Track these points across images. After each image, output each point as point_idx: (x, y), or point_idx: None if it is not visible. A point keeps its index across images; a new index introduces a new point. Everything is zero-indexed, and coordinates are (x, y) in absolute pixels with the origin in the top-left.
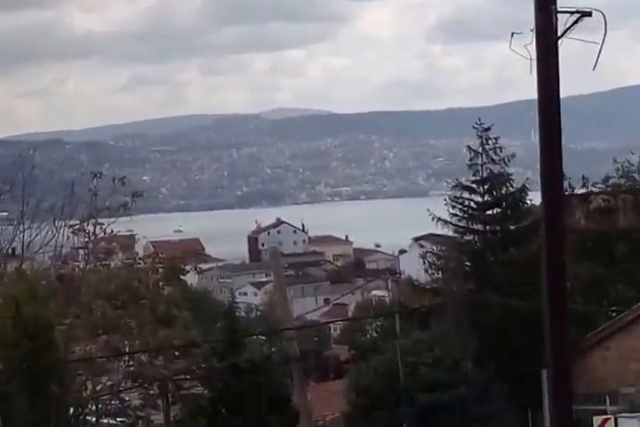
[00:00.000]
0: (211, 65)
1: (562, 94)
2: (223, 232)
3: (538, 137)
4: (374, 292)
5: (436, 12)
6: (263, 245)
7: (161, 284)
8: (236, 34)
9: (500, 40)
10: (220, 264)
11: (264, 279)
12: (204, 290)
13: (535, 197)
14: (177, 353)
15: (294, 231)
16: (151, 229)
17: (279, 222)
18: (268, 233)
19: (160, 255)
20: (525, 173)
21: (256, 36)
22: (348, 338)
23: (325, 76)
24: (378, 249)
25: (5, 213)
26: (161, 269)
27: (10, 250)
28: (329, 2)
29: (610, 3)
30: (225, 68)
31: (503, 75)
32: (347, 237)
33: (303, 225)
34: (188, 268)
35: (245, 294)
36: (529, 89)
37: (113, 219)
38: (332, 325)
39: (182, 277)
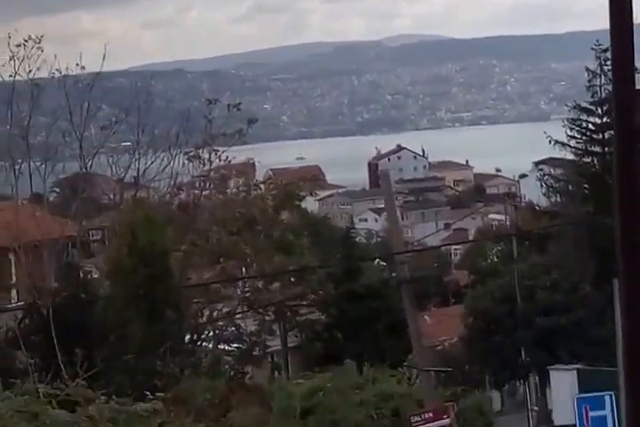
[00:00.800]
0: None
1: None
2: (344, 159)
3: None
4: (492, 215)
5: None
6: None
7: (277, 210)
8: None
9: None
10: (340, 191)
11: (384, 205)
12: (323, 216)
13: None
14: (292, 279)
15: (414, 157)
16: (273, 156)
17: (399, 148)
18: (389, 159)
19: (274, 181)
20: None
21: None
22: (469, 263)
23: (445, 2)
24: (498, 174)
25: (128, 144)
26: (275, 195)
27: (131, 178)
28: None
29: None
30: None
31: None
32: (467, 162)
33: (423, 151)
34: (304, 193)
35: (366, 220)
36: None
37: (232, 147)
38: (452, 250)
39: (301, 203)
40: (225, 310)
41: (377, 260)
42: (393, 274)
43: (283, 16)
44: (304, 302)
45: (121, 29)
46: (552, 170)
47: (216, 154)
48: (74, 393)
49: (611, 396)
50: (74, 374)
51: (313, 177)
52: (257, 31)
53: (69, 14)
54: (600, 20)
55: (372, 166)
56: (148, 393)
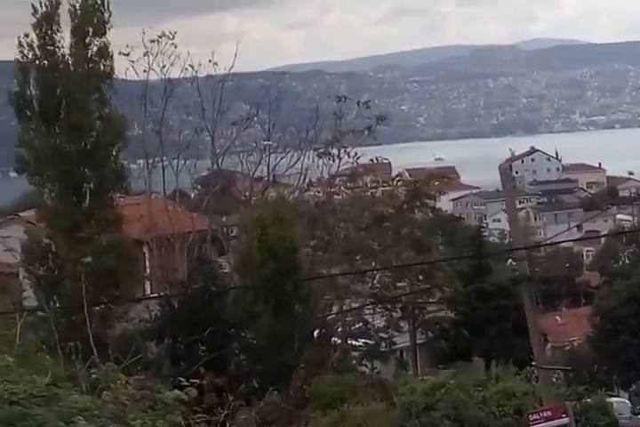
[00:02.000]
0: None
1: None
2: (479, 160)
3: None
4: (621, 216)
5: None
6: (517, 172)
7: (406, 207)
8: None
9: None
10: (474, 191)
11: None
12: (454, 215)
13: None
14: (420, 277)
15: (548, 159)
16: (411, 157)
17: (533, 151)
18: (522, 161)
19: (404, 179)
20: None
21: None
22: (601, 264)
23: (582, 6)
24: (631, 177)
25: (269, 142)
26: (406, 193)
27: (265, 174)
28: None
29: None
30: None
31: None
32: (600, 164)
33: (557, 153)
34: (433, 192)
35: (499, 220)
36: None
37: (369, 147)
38: (584, 251)
39: (432, 202)
40: (354, 305)
41: (509, 259)
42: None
43: (420, 19)
44: (432, 300)
45: (262, 31)
46: None
47: (345, 151)
48: (103, 377)
49: None
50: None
51: (442, 176)
52: (395, 34)
53: (213, 16)
54: None
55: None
56: (183, 380)
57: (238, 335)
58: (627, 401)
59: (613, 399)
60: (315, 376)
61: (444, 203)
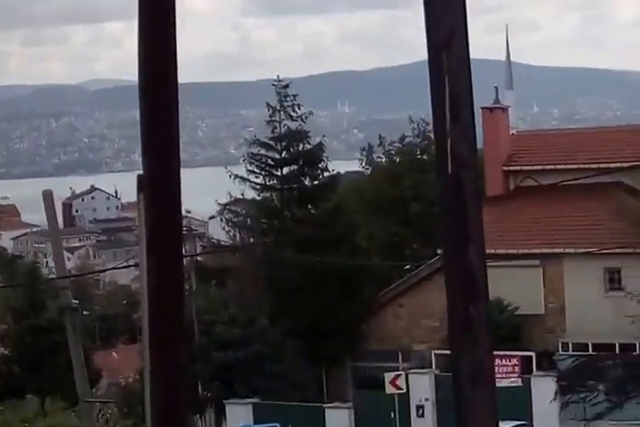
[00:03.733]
0: (32, 36)
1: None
2: (40, 199)
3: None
4: None
5: None
6: (77, 211)
7: None
8: (58, 6)
9: (310, 13)
10: (34, 230)
11: (77, 244)
12: (13, 253)
13: (338, 166)
14: None
15: (108, 198)
16: None
17: (93, 189)
18: (82, 199)
19: None
20: (331, 142)
21: (77, 8)
22: None
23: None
24: (189, 215)
25: None
26: None
27: None
28: None
29: None
30: (46, 39)
31: (313, 47)
32: None
33: (117, 192)
34: None
35: None
36: (338, 61)
37: None
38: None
39: None
40: None
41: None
42: (85, 311)
43: None
44: None
45: None
46: (238, 209)
47: None
48: None
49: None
50: None
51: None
52: None
53: None
54: (288, 70)
55: (66, 206)
56: None
57: None
58: None
59: None
60: None
61: (5, 241)
